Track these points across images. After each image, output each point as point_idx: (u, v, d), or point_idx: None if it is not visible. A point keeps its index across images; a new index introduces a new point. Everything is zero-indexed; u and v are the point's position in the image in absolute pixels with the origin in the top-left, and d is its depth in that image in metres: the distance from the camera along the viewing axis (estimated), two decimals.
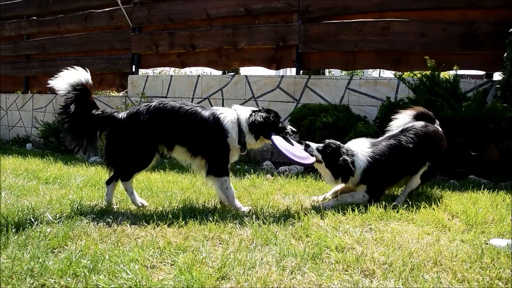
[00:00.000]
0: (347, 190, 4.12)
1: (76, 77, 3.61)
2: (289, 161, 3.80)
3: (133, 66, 9.17)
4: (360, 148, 3.92)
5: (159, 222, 3.13)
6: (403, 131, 4.09)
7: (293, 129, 3.86)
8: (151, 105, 3.69)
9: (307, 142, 3.86)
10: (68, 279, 2.15)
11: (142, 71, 9.39)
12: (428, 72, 5.71)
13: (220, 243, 2.79)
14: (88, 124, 3.69)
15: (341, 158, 3.78)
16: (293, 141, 3.79)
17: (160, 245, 2.65)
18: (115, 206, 3.76)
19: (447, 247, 2.67)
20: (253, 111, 3.76)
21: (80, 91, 3.64)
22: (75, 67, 3.66)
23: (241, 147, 3.73)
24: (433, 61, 5.69)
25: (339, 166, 3.79)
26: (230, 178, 3.80)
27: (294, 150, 3.66)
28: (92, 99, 3.75)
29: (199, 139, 3.68)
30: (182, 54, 8.76)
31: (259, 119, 3.67)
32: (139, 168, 3.80)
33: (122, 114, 3.73)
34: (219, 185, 3.71)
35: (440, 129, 4.33)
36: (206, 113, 3.69)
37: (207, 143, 3.68)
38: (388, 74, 13.89)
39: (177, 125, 3.65)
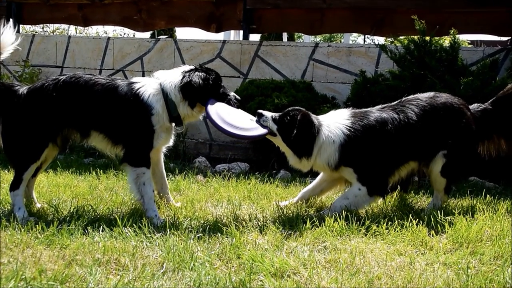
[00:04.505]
0: (326, 188, 4.29)
1: None
2: (230, 136, 3.86)
3: (11, 20, 8.83)
4: (335, 119, 4.01)
5: (32, 243, 3.05)
6: (401, 102, 4.16)
7: (237, 96, 3.98)
8: (60, 79, 3.78)
9: (261, 111, 3.96)
10: None
11: (26, 28, 9.09)
12: (416, 37, 5.77)
13: (118, 269, 2.75)
14: None
15: (297, 122, 3.85)
16: (240, 111, 3.94)
17: (26, 276, 2.57)
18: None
19: (421, 272, 2.74)
20: (186, 72, 3.85)
21: None
22: None
23: (175, 123, 3.86)
24: (423, 22, 5.72)
25: (296, 135, 3.85)
26: None
27: (237, 121, 3.76)
28: None
29: (117, 121, 3.78)
30: (84, 6, 8.54)
31: (196, 80, 3.76)
32: (32, 161, 3.80)
33: (22, 89, 3.81)
34: (133, 178, 3.80)
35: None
36: (123, 88, 3.78)
37: (126, 126, 3.77)
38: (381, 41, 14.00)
39: (90, 104, 3.75)
